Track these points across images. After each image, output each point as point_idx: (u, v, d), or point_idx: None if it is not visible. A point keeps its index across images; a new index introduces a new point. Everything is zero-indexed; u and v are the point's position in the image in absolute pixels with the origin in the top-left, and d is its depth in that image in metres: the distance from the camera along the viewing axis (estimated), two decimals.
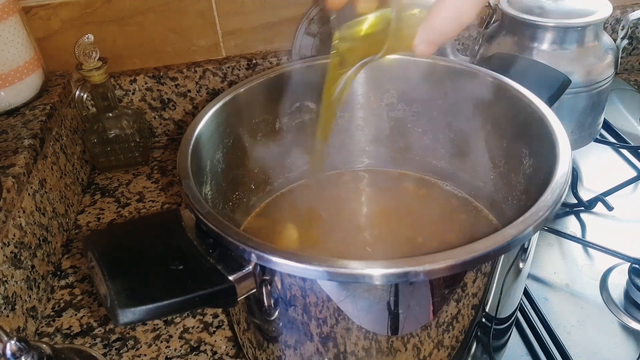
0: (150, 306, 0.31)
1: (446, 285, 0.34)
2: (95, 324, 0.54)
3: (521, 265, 0.37)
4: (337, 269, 0.30)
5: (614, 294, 0.52)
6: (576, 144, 0.69)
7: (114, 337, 0.53)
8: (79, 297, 0.57)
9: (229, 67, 0.78)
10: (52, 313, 0.56)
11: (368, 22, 0.37)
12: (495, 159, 0.49)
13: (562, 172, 0.36)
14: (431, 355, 0.37)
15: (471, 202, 0.53)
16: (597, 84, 0.64)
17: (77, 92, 0.72)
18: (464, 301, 0.35)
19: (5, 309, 0.49)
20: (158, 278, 0.32)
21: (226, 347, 0.51)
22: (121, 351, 0.51)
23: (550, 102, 0.46)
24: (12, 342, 0.36)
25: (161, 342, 0.52)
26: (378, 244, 0.50)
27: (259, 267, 0.33)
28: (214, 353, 0.51)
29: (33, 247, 0.56)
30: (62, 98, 0.70)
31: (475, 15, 0.32)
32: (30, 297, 0.54)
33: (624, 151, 0.71)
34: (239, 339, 0.46)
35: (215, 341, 0.52)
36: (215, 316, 0.54)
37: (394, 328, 0.35)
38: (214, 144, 0.46)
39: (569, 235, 0.59)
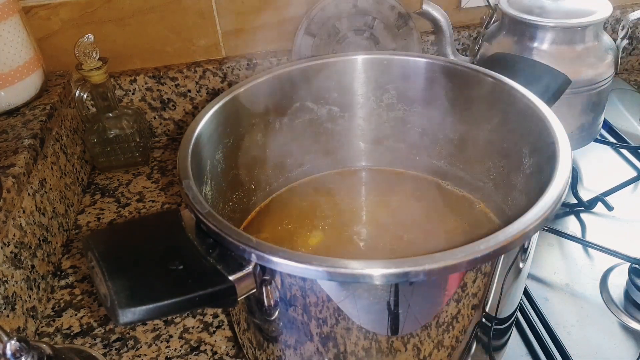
0: (150, 306, 0.31)
1: (446, 285, 0.34)
2: (95, 324, 0.54)
3: (521, 265, 0.37)
4: (337, 269, 0.30)
5: (614, 294, 0.52)
6: (576, 144, 0.69)
7: (114, 337, 0.53)
8: (79, 297, 0.57)
9: (229, 67, 0.78)
10: (52, 313, 0.56)
11: None
12: (495, 158, 0.49)
13: (562, 172, 0.36)
14: (431, 355, 0.37)
15: (471, 202, 0.53)
16: (597, 84, 0.64)
17: (77, 92, 0.72)
18: (464, 301, 0.35)
19: (5, 309, 0.49)
20: (158, 278, 0.32)
21: (226, 347, 0.51)
22: (121, 351, 0.51)
23: (550, 102, 0.46)
24: (12, 342, 0.36)
25: (161, 342, 0.52)
26: (378, 244, 0.50)
27: (259, 267, 0.33)
28: (214, 353, 0.51)
29: (33, 247, 0.56)
30: (62, 98, 0.70)
31: None
32: (30, 297, 0.54)
33: (624, 151, 0.71)
34: (239, 339, 0.46)
35: (215, 341, 0.52)
36: (215, 316, 0.54)
37: (394, 328, 0.35)
38: (214, 144, 0.46)
39: (569, 235, 0.59)
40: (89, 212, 0.69)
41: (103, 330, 0.53)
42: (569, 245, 0.58)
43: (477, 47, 0.69)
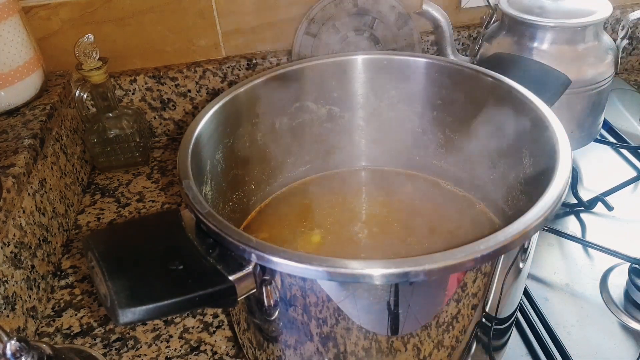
0: (150, 306, 0.31)
1: (446, 285, 0.34)
2: (95, 324, 0.54)
3: (521, 265, 0.37)
4: (337, 269, 0.30)
5: (614, 294, 0.52)
6: (576, 144, 0.69)
7: (114, 337, 0.53)
8: (79, 297, 0.57)
9: (229, 67, 0.78)
10: (52, 313, 0.56)
11: None
12: (495, 158, 0.49)
13: (562, 172, 0.36)
14: (431, 355, 0.37)
15: (471, 202, 0.53)
16: (597, 84, 0.64)
17: (77, 92, 0.72)
18: (464, 301, 0.35)
19: (5, 309, 0.49)
20: (158, 278, 0.32)
21: (226, 347, 0.51)
22: (121, 351, 0.51)
23: (550, 102, 0.46)
24: (12, 342, 0.36)
25: (161, 342, 0.52)
26: (378, 244, 0.50)
27: (259, 267, 0.33)
28: (214, 353, 0.51)
29: (33, 247, 0.56)
30: (62, 98, 0.70)
31: None
32: (30, 297, 0.54)
33: (624, 151, 0.71)
34: (239, 339, 0.46)
35: (215, 341, 0.52)
36: (215, 316, 0.54)
37: (394, 328, 0.35)
38: (214, 144, 0.46)
39: (569, 235, 0.59)
40: (89, 212, 0.69)
41: (103, 330, 0.53)
42: (569, 245, 0.58)
43: (477, 47, 0.69)
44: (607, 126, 0.75)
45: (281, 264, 0.31)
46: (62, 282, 0.59)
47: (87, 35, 0.67)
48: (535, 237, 0.37)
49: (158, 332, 0.53)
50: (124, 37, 0.76)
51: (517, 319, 0.51)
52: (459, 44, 0.83)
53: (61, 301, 0.57)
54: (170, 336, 0.53)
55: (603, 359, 0.47)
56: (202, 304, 0.32)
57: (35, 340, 0.49)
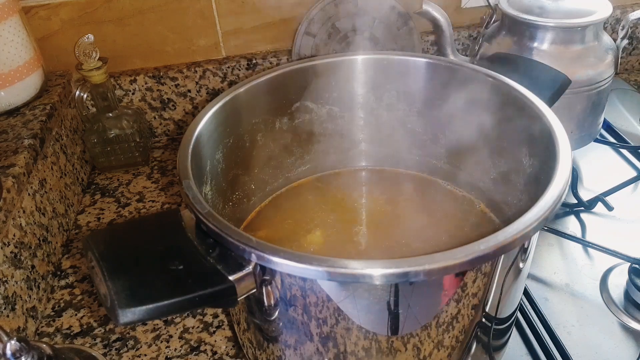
0: (150, 306, 0.31)
1: (446, 285, 0.34)
2: (95, 324, 0.54)
3: (521, 265, 0.37)
4: (337, 269, 0.30)
5: (614, 294, 0.52)
6: (576, 144, 0.69)
7: (114, 337, 0.53)
8: (79, 297, 0.57)
9: (229, 67, 0.78)
10: (52, 313, 0.56)
11: None
12: (495, 158, 0.49)
13: (562, 172, 0.36)
14: (431, 355, 0.37)
15: (471, 202, 0.53)
16: (597, 84, 0.64)
17: (77, 92, 0.72)
18: (464, 301, 0.35)
19: (5, 309, 0.49)
20: (158, 278, 0.32)
21: (226, 347, 0.51)
22: (121, 351, 0.51)
23: (550, 102, 0.46)
24: (12, 342, 0.36)
25: (161, 342, 0.52)
26: (378, 244, 0.50)
27: (259, 267, 0.33)
28: (214, 353, 0.51)
29: (33, 247, 0.56)
30: (62, 98, 0.70)
31: None
32: (30, 297, 0.54)
33: (624, 151, 0.71)
34: (239, 339, 0.46)
35: (215, 341, 0.52)
36: (215, 316, 0.54)
37: (394, 328, 0.35)
38: (214, 144, 0.46)
39: (569, 235, 0.59)
40: (89, 212, 0.69)
41: (103, 330, 0.53)
42: (569, 245, 0.58)
43: (477, 47, 0.69)
44: (607, 126, 0.75)
45: (281, 264, 0.31)
46: (62, 282, 0.59)
47: (87, 35, 0.67)
48: (535, 237, 0.37)
49: (158, 332, 0.53)
50: (124, 37, 0.76)
51: (517, 319, 0.51)
52: (459, 44, 0.83)
53: (61, 301, 0.57)
54: (170, 336, 0.53)
55: (603, 359, 0.47)
56: (202, 304, 0.32)
57: (35, 340, 0.49)
